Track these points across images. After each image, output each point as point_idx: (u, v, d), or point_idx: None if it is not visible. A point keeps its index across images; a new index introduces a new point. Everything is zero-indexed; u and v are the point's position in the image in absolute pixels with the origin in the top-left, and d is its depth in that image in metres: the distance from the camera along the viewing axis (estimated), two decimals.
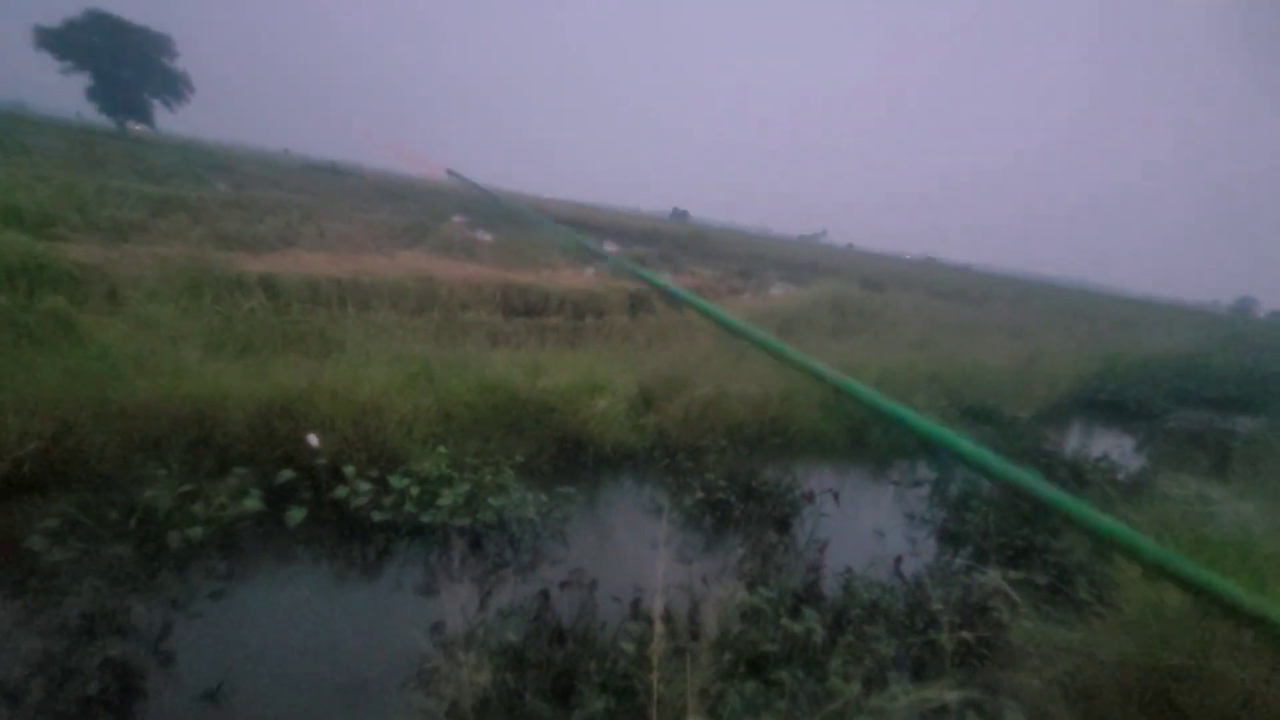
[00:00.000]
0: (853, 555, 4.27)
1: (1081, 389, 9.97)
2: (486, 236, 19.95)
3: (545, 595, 3.23)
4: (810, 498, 4.92)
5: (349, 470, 3.77)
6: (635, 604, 3.28)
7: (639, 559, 3.94)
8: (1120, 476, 6.47)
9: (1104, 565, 4.15)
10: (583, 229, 31.18)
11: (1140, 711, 2.71)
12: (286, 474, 3.62)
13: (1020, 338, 13.62)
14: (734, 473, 5.08)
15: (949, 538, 4.87)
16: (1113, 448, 7.87)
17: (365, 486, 3.71)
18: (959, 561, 4.42)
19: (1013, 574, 4.16)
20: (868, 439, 6.76)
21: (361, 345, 5.83)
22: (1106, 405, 9.83)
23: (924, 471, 6.42)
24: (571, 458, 5.12)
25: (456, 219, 24.57)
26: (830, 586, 3.77)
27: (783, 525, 4.58)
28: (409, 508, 3.69)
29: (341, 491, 3.68)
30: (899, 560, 4.12)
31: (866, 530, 4.91)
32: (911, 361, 9.29)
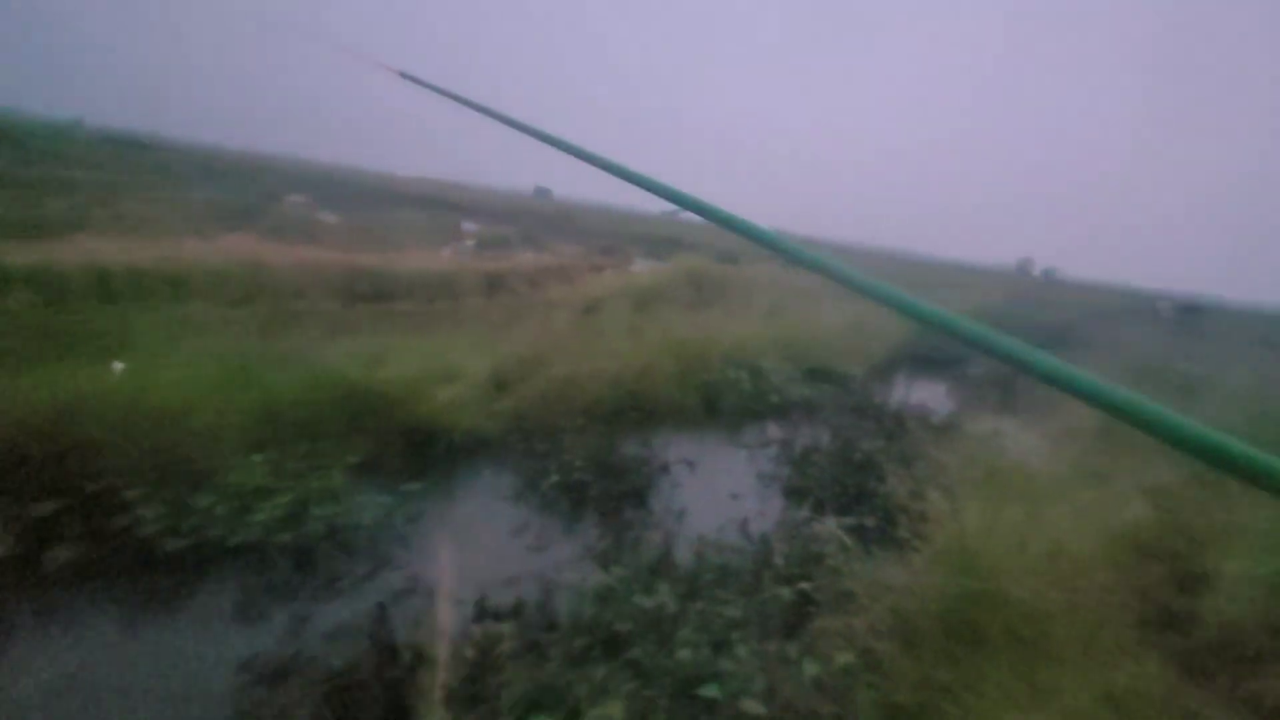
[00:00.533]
0: (708, 521, 4.32)
1: (902, 345, 11.01)
2: (331, 217, 18.15)
3: (381, 608, 2.92)
4: (666, 468, 4.93)
5: (131, 494, 3.16)
6: (481, 603, 3.06)
7: (492, 553, 3.71)
8: (935, 421, 7.17)
9: (920, 503, 4.53)
10: (438, 207, 29.50)
11: (947, 635, 2.96)
12: (48, 506, 2.96)
13: (840, 301, 14.76)
14: (592, 451, 4.96)
15: (794, 493, 5.10)
16: (927, 395, 8.74)
17: (155, 511, 3.13)
18: (801, 514, 4.63)
19: (846, 520, 4.44)
20: (721, 405, 6.95)
21: (163, 344, 4.98)
22: (922, 358, 10.93)
23: (774, 432, 6.72)
24: (420, 452, 4.74)
25: (295, 198, 22.15)
26: (685, 555, 3.78)
27: (640, 499, 4.54)
28: (215, 530, 3.17)
29: (124, 520, 3.08)
30: (746, 522, 4.22)
31: (721, 494, 5.01)
32: (761, 329, 9.69)
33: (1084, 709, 2.61)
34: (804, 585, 3.46)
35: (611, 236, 30.05)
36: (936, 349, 11.78)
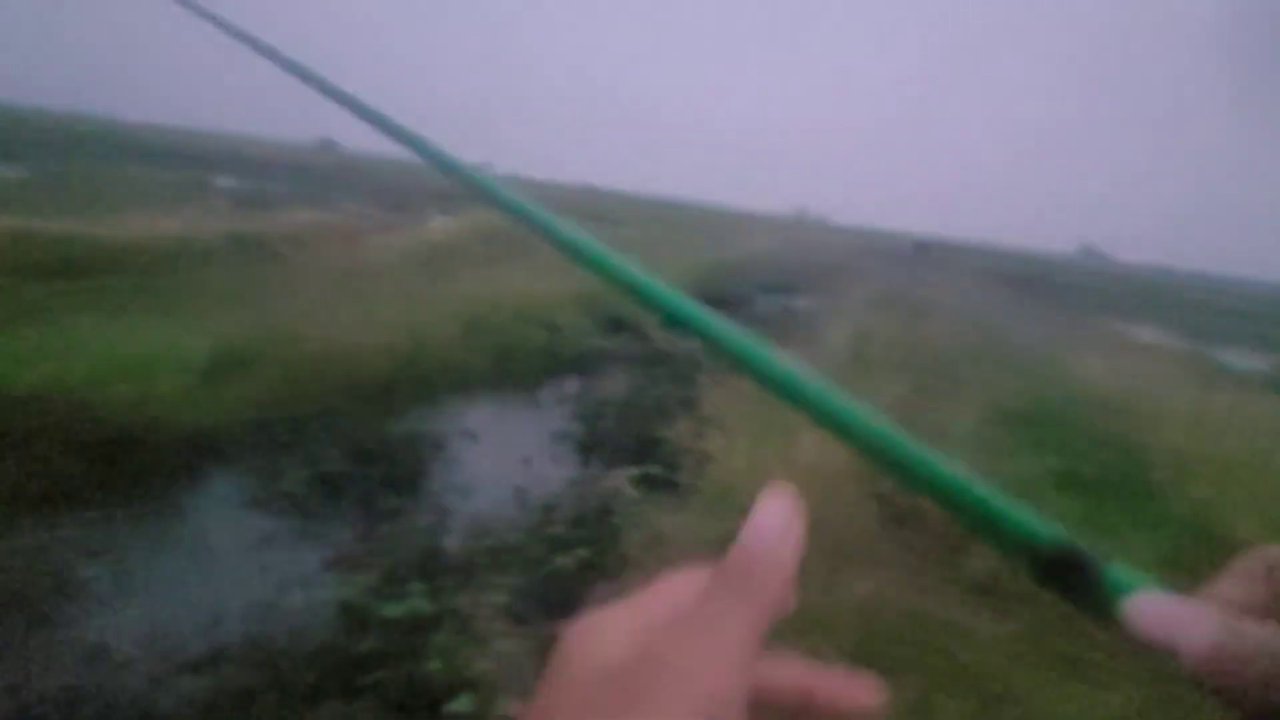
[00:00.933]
0: (491, 495, 3.93)
1: (694, 289, 11.41)
2: (8, 172, 13.96)
3: (14, 691, 2.11)
4: (443, 444, 4.42)
5: None
6: (174, 654, 2.37)
7: (203, 582, 2.96)
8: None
9: (701, 444, 4.57)
10: (184, 160, 24.53)
11: None
12: None
13: (649, 251, 15.02)
14: (351, 436, 4.27)
15: (586, 449, 4.89)
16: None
17: None
18: (591, 472, 4.43)
19: (634, 472, 4.33)
20: (514, 366, 6.51)
21: None
22: (712, 300, 11.43)
23: (570, 387, 6.47)
24: (110, 467, 3.67)
25: None
26: (456, 541, 3.35)
27: (409, 484, 3.99)
28: None
29: None
30: (527, 490, 3.90)
31: (508, 463, 4.63)
32: (558, 283, 9.32)
33: (839, 624, 2.72)
34: (585, 551, 3.24)
35: (406, 192, 27.46)
36: (726, 291, 12.43)
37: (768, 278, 15.10)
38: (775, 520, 0.23)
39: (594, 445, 4.89)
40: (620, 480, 4.12)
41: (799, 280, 15.82)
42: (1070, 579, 0.22)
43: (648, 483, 4.13)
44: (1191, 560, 3.24)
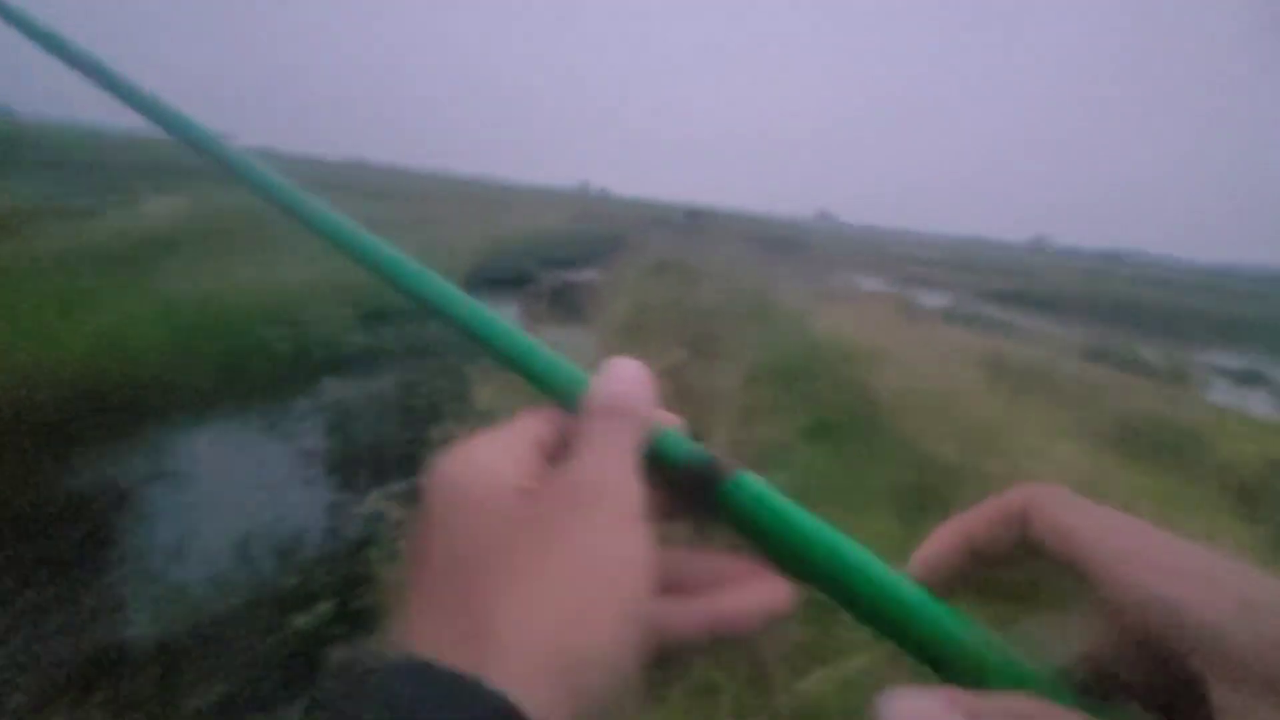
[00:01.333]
0: (212, 549, 3.11)
1: (476, 267, 10.69)
2: None
3: None
4: (130, 493, 3.41)
5: None
6: None
7: None
8: None
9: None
10: None
11: None
12: None
13: (428, 229, 13.79)
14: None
15: (341, 467, 4.19)
16: (501, 314, 8.63)
17: None
18: (348, 495, 3.78)
19: (398, 487, 3.78)
20: (250, 376, 5.39)
21: None
22: (495, 278, 10.86)
23: (326, 394, 5.55)
24: None
25: None
26: (151, 626, 2.56)
27: (83, 558, 2.99)
28: None
29: None
30: (254, 536, 3.16)
31: (241, 502, 3.76)
32: (311, 273, 8.00)
33: None
34: (329, 604, 2.68)
35: (109, 169, 21.93)
36: (509, 267, 11.90)
37: (550, 252, 14.81)
38: (629, 367, 0.26)
39: (352, 462, 4.20)
40: (380, 501, 3.56)
41: (581, 253, 15.79)
42: (706, 491, 0.25)
43: (415, 498, 3.62)
44: (917, 485, 3.68)
